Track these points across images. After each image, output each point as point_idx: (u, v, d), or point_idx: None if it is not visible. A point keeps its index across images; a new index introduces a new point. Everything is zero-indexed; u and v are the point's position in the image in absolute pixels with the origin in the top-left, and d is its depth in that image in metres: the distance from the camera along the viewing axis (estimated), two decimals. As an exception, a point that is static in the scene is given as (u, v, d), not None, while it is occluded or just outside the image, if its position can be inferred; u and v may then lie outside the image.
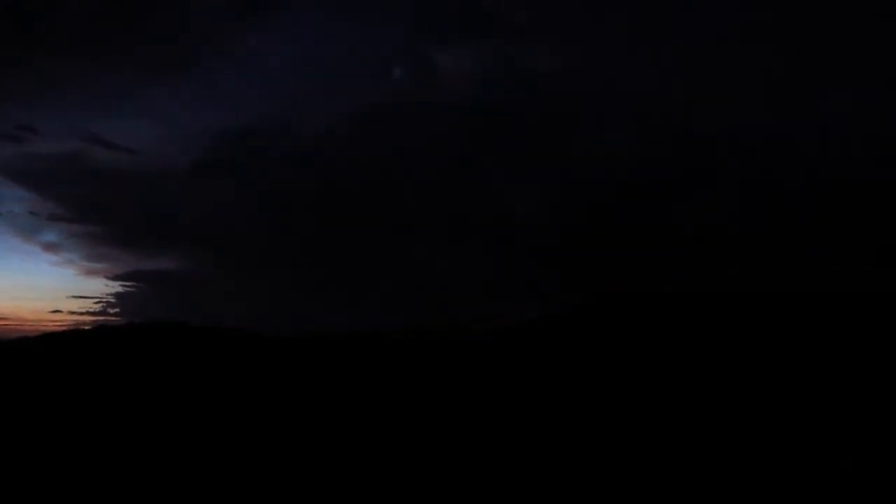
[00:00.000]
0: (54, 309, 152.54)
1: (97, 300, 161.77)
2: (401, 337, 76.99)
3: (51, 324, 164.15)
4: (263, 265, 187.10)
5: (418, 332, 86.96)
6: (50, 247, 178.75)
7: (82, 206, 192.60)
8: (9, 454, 12.40)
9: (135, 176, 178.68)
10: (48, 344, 64.02)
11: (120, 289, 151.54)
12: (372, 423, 16.72)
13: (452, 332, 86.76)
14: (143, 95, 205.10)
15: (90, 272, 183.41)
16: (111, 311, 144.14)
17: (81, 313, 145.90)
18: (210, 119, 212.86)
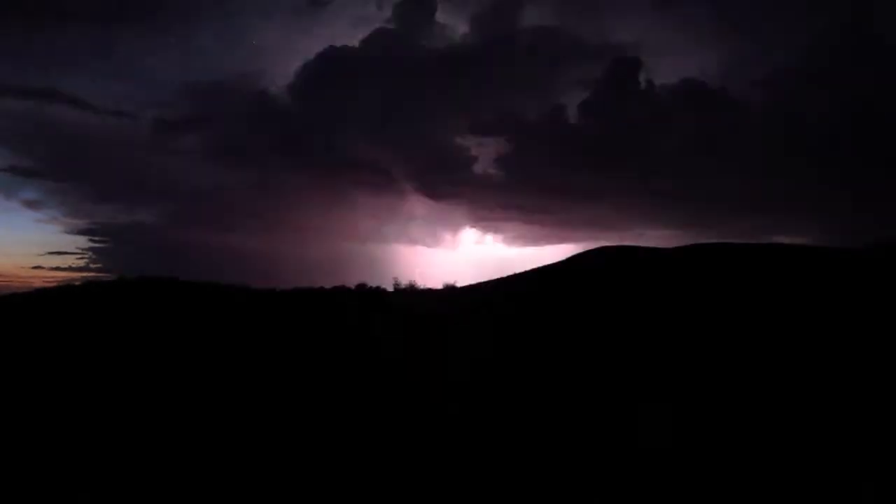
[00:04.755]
0: (36, 265, 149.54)
1: (79, 255, 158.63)
2: (388, 291, 78.59)
3: (36, 280, 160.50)
4: (236, 220, 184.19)
5: (401, 287, 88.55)
6: (31, 203, 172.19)
7: (57, 162, 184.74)
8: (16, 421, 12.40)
9: (103, 132, 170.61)
10: (41, 301, 63.23)
11: (100, 244, 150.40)
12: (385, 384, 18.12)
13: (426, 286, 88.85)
14: (108, 51, 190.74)
15: (71, 228, 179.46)
16: (93, 266, 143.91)
17: (64, 269, 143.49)
18: (179, 73, 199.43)
